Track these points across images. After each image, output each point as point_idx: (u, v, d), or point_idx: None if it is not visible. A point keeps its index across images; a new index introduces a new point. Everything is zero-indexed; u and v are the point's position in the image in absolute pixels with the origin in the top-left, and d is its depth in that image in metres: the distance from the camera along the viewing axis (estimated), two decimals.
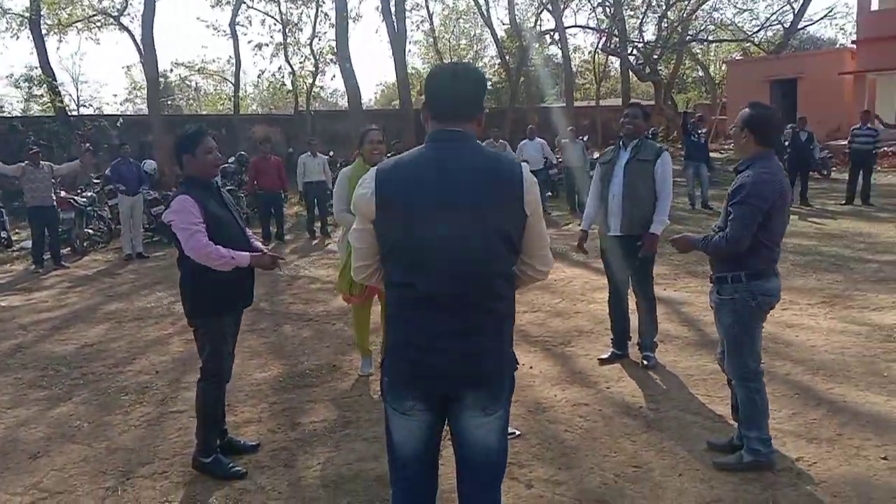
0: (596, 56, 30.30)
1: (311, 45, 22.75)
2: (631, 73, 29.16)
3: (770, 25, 28.95)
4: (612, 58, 29.71)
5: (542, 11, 25.27)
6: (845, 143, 14.49)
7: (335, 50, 21.34)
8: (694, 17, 28.44)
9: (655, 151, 4.90)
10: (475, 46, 36.18)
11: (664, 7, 26.87)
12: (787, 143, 13.40)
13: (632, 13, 28.14)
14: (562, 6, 26.23)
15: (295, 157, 14.92)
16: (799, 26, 31.61)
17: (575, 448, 3.89)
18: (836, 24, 45.01)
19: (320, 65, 22.79)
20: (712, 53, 37.09)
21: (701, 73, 36.68)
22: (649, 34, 28.85)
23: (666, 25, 26.46)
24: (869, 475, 3.43)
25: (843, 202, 13.11)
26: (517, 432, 4.07)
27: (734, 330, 3.48)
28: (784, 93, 27.50)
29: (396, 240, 2.17)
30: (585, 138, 14.91)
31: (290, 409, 4.62)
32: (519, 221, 2.17)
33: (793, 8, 31.05)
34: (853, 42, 26.44)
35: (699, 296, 6.83)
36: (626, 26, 27.35)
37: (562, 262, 9.11)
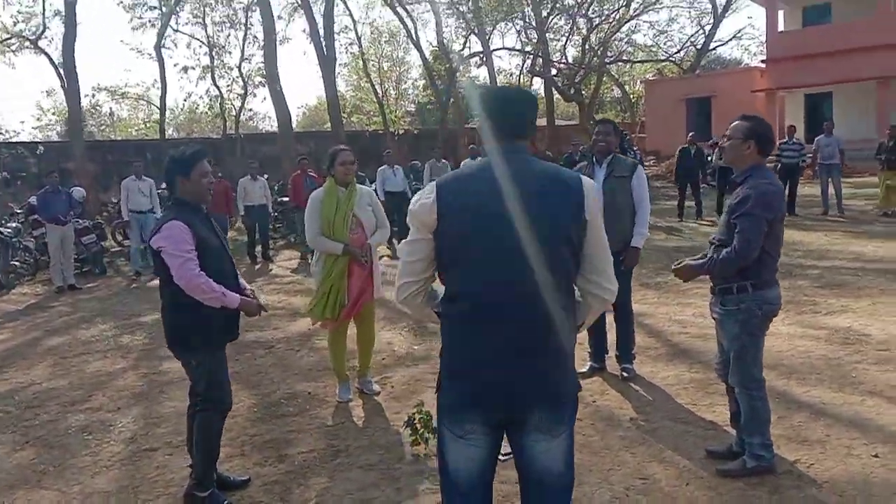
0: (521, 78, 30.89)
1: (240, 67, 22.35)
2: (554, 94, 29.86)
3: (685, 47, 30.16)
4: (536, 79, 30.31)
5: (469, 35, 25.56)
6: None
7: (264, 72, 20.98)
8: (613, 39, 29.36)
9: (630, 167, 4.97)
10: (398, 69, 36.39)
11: (587, 31, 27.64)
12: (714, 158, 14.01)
13: (553, 36, 28.86)
14: (489, 30, 26.67)
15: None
16: (710, 47, 33.19)
17: (577, 464, 3.84)
18: (742, 46, 47.31)
19: (249, 87, 22.36)
20: (627, 75, 38.35)
21: (618, 93, 37.95)
22: (573, 56, 29.58)
23: (588, 48, 27.22)
24: (866, 473, 3.53)
25: None
26: (511, 454, 4.00)
27: (741, 339, 3.52)
28: (699, 110, 28.70)
29: (459, 249, 2.14)
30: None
31: (272, 440, 4.42)
32: (580, 229, 2.16)
33: (704, 30, 32.59)
34: (762, 61, 27.84)
35: (658, 307, 6.97)
36: (550, 49, 28.02)
37: None
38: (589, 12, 26.81)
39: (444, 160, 14.06)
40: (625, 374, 5.12)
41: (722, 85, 28.79)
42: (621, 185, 4.90)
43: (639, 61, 30.34)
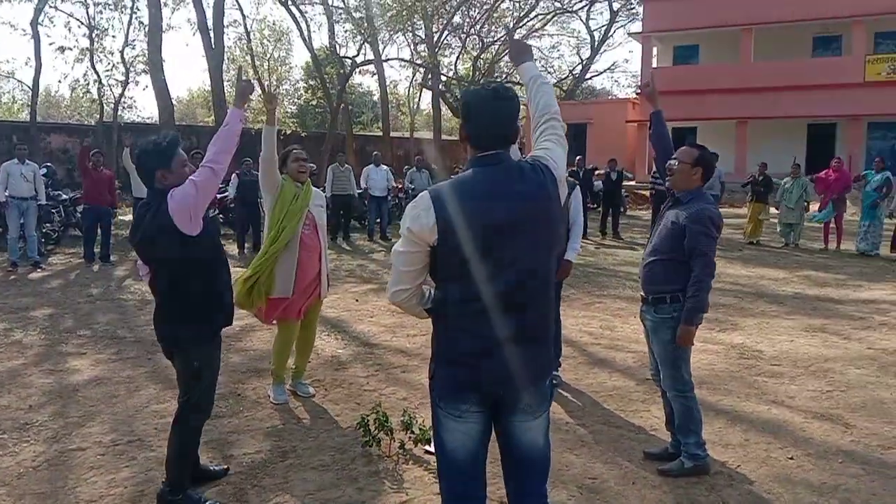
0: (410, 89, 31.25)
1: (122, 52, 21.10)
2: (443, 108, 30.40)
3: (568, 76, 31.64)
4: (427, 93, 30.73)
5: (363, 44, 25.52)
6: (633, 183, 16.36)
7: (147, 60, 19.99)
8: (500, 60, 30.33)
9: (570, 187, 5.24)
10: (279, 68, 35.74)
11: (478, 50, 28.38)
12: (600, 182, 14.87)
13: (445, 52, 29.41)
14: (384, 39, 26.79)
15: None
16: (586, 76, 35.06)
17: None
18: (612, 78, 50.25)
19: (132, 74, 21.18)
20: None
21: None
22: (463, 72, 30.22)
23: (479, 66, 27.98)
24: (786, 473, 3.92)
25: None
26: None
27: (672, 346, 3.82)
28: (575, 136, 30.16)
29: (461, 259, 2.22)
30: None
31: (212, 441, 4.27)
32: (562, 221, 2.35)
33: (581, 59, 34.33)
34: (636, 94, 29.68)
35: (567, 318, 7.31)
36: (441, 63, 28.51)
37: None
38: (480, 32, 27.52)
39: (347, 164, 13.98)
40: (553, 382, 5.35)
41: (596, 114, 30.45)
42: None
43: (524, 84, 31.45)
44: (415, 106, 33.44)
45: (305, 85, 36.18)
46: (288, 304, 4.80)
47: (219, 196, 13.27)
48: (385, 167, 14.15)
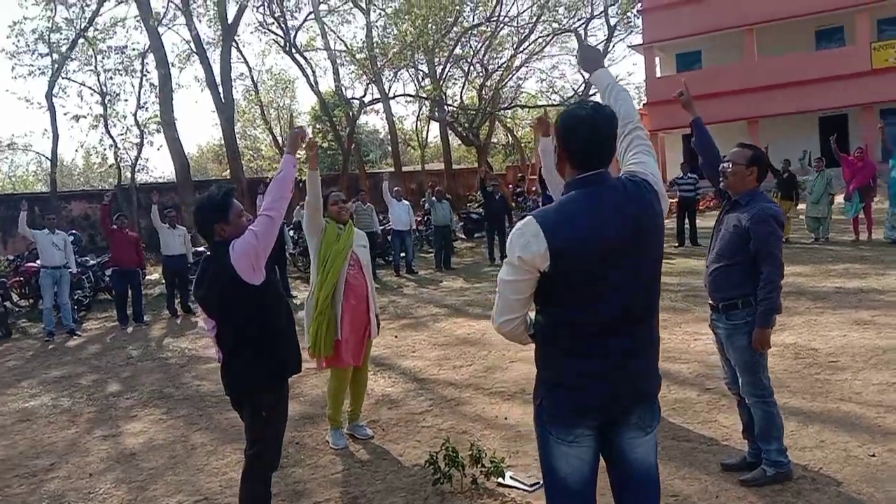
0: (418, 123, 31.49)
1: (135, 115, 21.46)
2: (451, 139, 30.58)
3: (573, 95, 31.72)
4: (434, 125, 30.96)
5: (369, 84, 25.82)
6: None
7: (159, 119, 20.32)
8: (504, 85, 30.49)
9: None
10: (282, 116, 36.18)
11: (482, 78, 28.61)
12: None
13: (450, 84, 29.64)
14: (388, 81, 27.10)
15: None
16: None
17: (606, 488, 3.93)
18: None
19: (145, 135, 21.50)
20: (516, 120, 39.92)
21: (505, 138, 39.39)
22: (468, 101, 30.44)
23: (484, 94, 28.18)
24: (871, 472, 3.80)
25: (677, 244, 14.46)
26: (541, 482, 4.04)
27: (750, 351, 3.74)
28: None
29: (573, 283, 2.19)
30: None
31: (279, 493, 4.18)
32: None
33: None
34: (643, 105, 29.69)
35: None
36: (447, 94, 28.76)
37: (462, 316, 9.26)
38: (484, 60, 27.75)
39: (368, 203, 14.04)
40: None
41: None
42: None
43: (531, 106, 31.63)
44: (423, 139, 33.67)
45: (315, 129, 36.60)
46: (340, 346, 4.78)
47: None
48: (406, 202, 14.19)
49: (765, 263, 3.59)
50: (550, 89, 32.73)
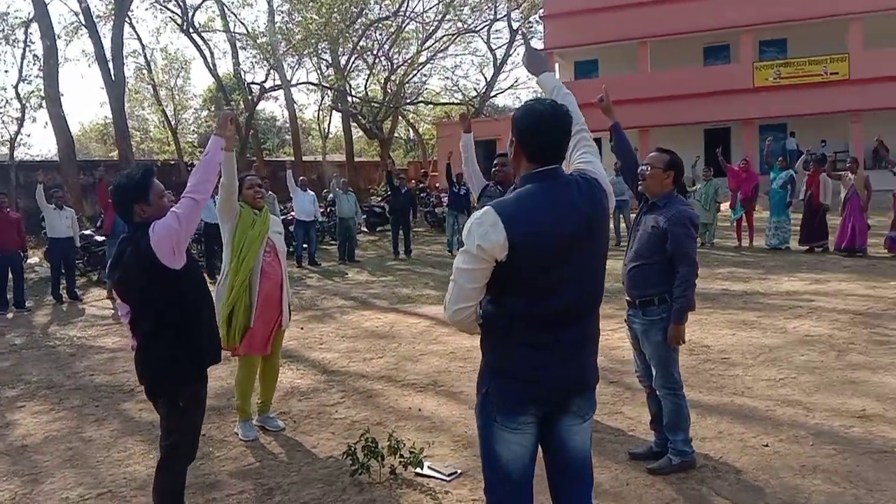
0: (319, 113, 30.98)
1: (16, 88, 19.99)
2: (354, 130, 30.27)
3: (476, 95, 32.13)
4: (336, 115, 30.56)
5: (270, 70, 25.16)
6: None
7: (43, 94, 19.04)
8: (408, 81, 30.51)
9: None
10: (177, 97, 34.81)
11: (388, 71, 28.48)
12: None
13: (354, 75, 29.36)
14: (290, 68, 26.50)
15: None
16: (492, 94, 35.78)
17: None
18: (514, 95, 51.52)
19: (27, 110, 20.10)
20: (419, 116, 40.07)
21: (406, 133, 39.53)
22: (372, 94, 30.22)
23: (389, 88, 28.08)
24: (766, 460, 4.08)
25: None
26: (458, 471, 4.09)
27: (664, 346, 3.93)
28: (486, 153, 30.64)
29: (528, 274, 2.23)
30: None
31: (191, 486, 4.00)
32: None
33: (485, 77, 35.03)
34: None
35: None
36: (351, 86, 28.45)
37: (369, 309, 9.21)
38: (389, 54, 27.65)
39: (270, 192, 13.67)
40: None
41: (505, 129, 30.85)
42: None
43: (435, 103, 31.82)
44: (325, 130, 33.17)
45: (209, 113, 35.30)
46: (251, 335, 4.65)
47: None
48: (311, 192, 13.95)
49: (681, 263, 3.78)
50: (454, 87, 33.03)
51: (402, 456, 4.03)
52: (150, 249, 3.02)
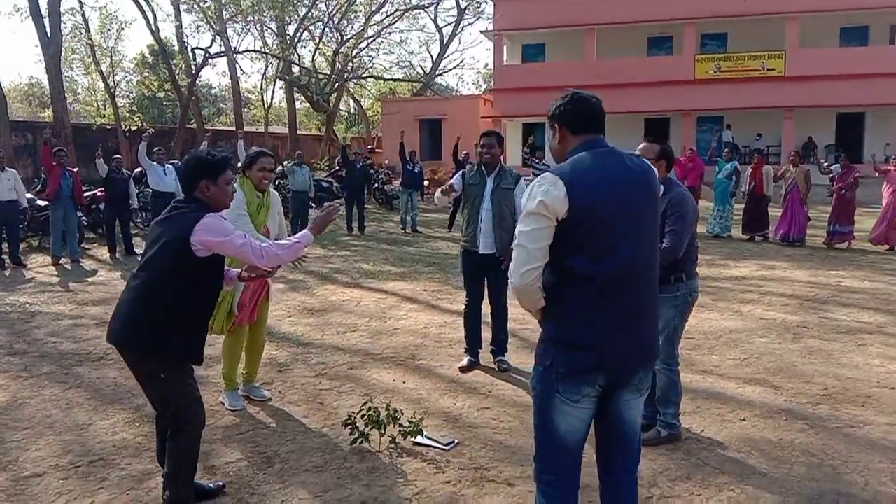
0: (263, 82, 30.27)
1: None
2: (298, 103, 29.71)
3: (426, 73, 31.94)
4: (279, 86, 29.90)
5: (215, 37, 24.39)
6: None
7: None
8: (356, 55, 30.08)
9: (515, 178, 5.40)
10: (112, 57, 33.46)
11: (336, 43, 28.00)
12: None
13: (302, 45, 28.78)
14: (236, 35, 25.74)
15: None
16: (437, 73, 35.63)
17: (518, 445, 4.16)
18: (458, 75, 51.50)
19: None
20: (363, 90, 39.64)
21: (346, 106, 39.00)
22: (323, 67, 29.67)
23: (337, 60, 27.62)
24: (745, 433, 4.32)
25: None
26: (455, 441, 4.19)
27: (674, 322, 4.10)
28: (431, 131, 30.68)
29: (588, 229, 2.33)
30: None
31: None
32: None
33: (431, 56, 34.87)
34: (489, 90, 30.59)
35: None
36: (298, 56, 27.87)
37: (332, 283, 9.18)
38: (339, 25, 27.18)
39: None
40: (502, 366, 5.52)
41: (450, 109, 30.92)
42: (507, 195, 5.31)
43: (385, 79, 31.51)
44: (269, 100, 32.46)
45: (141, 77, 33.94)
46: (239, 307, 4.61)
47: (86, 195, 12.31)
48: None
49: (668, 237, 3.86)
50: (399, 63, 32.75)
51: (401, 425, 4.10)
52: (189, 230, 3.09)
